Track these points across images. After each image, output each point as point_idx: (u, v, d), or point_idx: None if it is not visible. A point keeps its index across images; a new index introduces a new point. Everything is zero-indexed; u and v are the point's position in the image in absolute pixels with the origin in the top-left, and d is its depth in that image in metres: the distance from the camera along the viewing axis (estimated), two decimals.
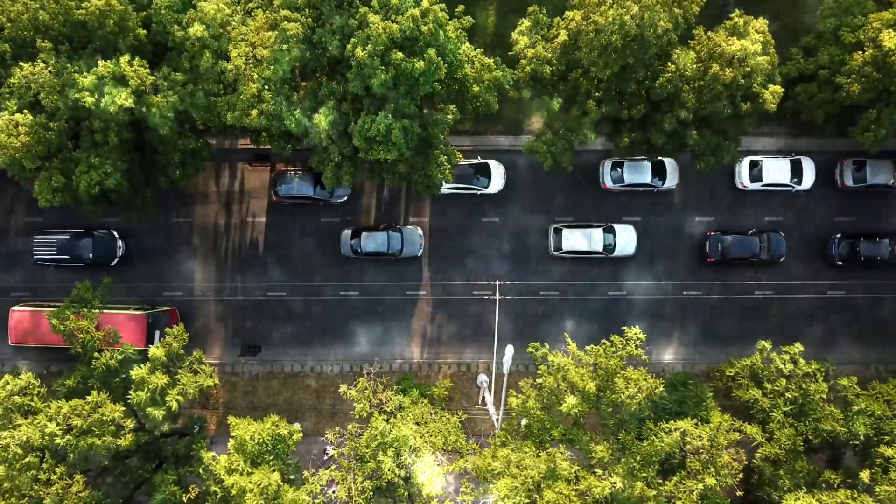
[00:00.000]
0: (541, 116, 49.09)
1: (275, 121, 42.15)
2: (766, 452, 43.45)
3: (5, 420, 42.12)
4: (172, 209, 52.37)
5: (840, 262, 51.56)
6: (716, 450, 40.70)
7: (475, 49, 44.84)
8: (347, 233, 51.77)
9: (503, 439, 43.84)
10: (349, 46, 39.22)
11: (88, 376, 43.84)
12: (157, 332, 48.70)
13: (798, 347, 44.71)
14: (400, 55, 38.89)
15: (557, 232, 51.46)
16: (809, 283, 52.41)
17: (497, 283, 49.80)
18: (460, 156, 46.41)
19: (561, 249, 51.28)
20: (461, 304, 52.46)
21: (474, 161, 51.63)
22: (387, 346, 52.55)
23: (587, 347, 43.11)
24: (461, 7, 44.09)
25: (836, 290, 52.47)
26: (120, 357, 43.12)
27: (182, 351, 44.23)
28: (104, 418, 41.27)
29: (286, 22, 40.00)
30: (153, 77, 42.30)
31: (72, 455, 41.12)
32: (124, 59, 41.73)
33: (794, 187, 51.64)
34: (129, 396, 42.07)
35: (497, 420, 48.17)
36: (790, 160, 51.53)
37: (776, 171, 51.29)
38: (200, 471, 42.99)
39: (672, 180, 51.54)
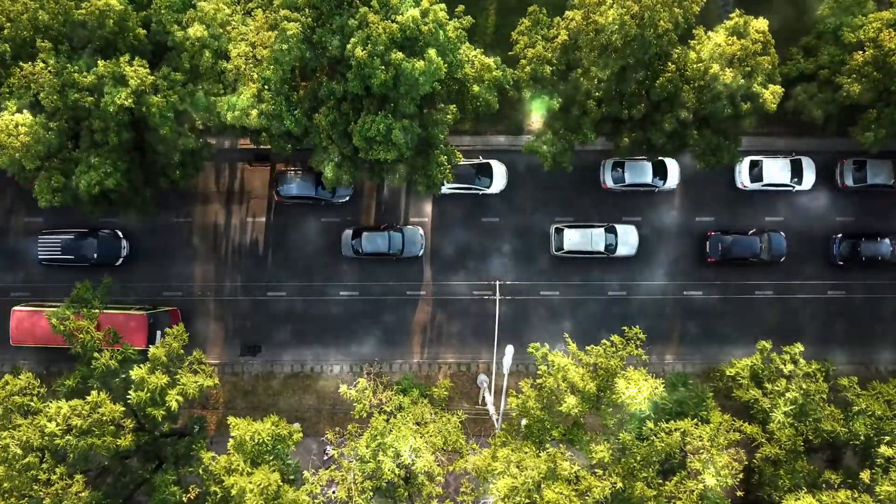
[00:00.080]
0: (541, 116, 49.06)
1: (275, 121, 42.13)
2: (767, 452, 43.45)
3: (5, 420, 42.11)
4: (172, 209, 52.36)
5: (841, 262, 51.53)
6: (716, 450, 40.65)
7: (475, 49, 44.85)
8: (348, 233, 51.73)
9: (503, 439, 43.77)
10: (349, 46, 39.19)
11: (88, 376, 43.81)
12: (159, 333, 48.66)
13: (798, 347, 44.65)
14: (400, 55, 38.86)
15: (559, 232, 51.41)
16: (810, 283, 52.37)
17: (497, 282, 49.83)
18: (460, 156, 46.41)
19: (562, 249, 51.21)
20: (462, 304, 52.45)
21: (476, 161, 51.63)
22: (387, 346, 52.53)
23: (587, 347, 43.05)
24: (461, 7, 44.08)
25: (837, 290, 52.42)
26: (120, 357, 43.14)
27: (182, 351, 44.14)
28: (104, 418, 41.19)
29: (286, 22, 39.96)
30: (153, 77, 42.29)
31: (72, 455, 41.02)
32: (124, 59, 41.80)
33: (794, 187, 51.60)
34: (129, 396, 42.04)
35: (497, 420, 48.14)
36: (790, 160, 51.50)
37: (776, 171, 51.25)
38: (200, 471, 42.93)
39: (673, 180, 51.50)
